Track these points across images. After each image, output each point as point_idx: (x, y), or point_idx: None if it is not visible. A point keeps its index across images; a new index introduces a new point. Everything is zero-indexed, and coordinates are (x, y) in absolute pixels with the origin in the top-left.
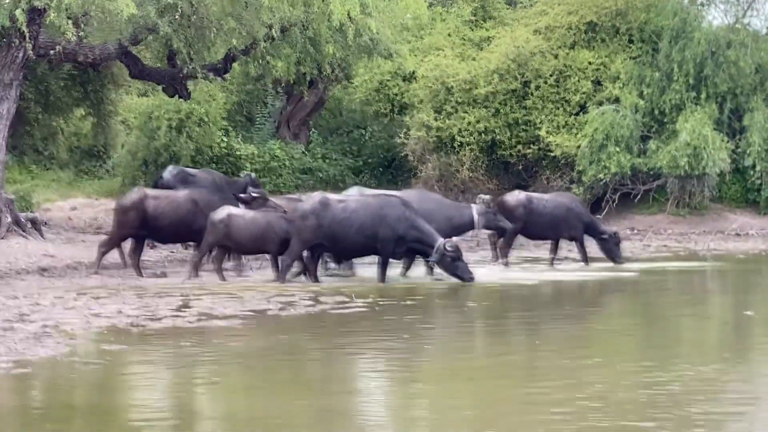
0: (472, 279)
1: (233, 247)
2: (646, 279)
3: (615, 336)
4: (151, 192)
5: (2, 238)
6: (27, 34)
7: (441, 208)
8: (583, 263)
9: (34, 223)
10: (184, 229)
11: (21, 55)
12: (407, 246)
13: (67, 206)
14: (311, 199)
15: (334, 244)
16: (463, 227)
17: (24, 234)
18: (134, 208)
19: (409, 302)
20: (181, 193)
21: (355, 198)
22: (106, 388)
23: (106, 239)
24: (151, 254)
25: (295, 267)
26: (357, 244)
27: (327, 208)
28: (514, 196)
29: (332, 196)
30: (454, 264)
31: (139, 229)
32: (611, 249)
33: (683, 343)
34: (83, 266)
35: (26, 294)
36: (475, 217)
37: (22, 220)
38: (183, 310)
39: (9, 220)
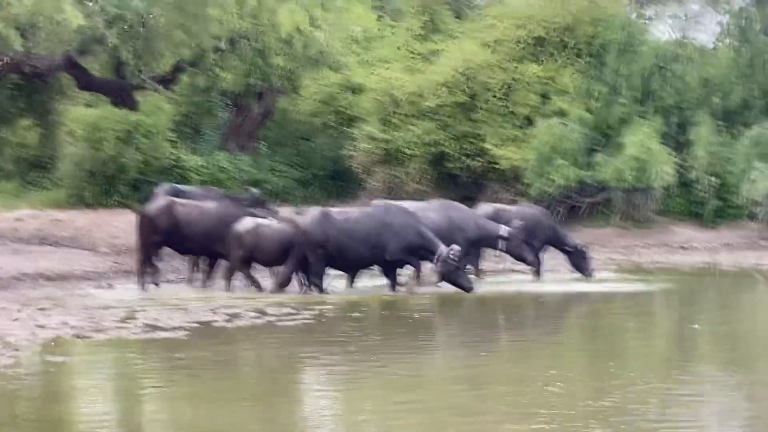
0: (471, 288)
1: (259, 258)
2: (595, 292)
3: (560, 348)
4: (179, 200)
5: None
6: None
7: (471, 216)
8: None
9: None
10: (211, 240)
11: None
12: (411, 254)
13: (12, 217)
14: (312, 213)
15: (339, 256)
16: (488, 241)
17: None
18: (163, 215)
19: (356, 314)
20: (211, 204)
21: (357, 209)
22: (51, 399)
23: (137, 251)
24: (98, 265)
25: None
26: (360, 254)
27: (329, 221)
28: (482, 209)
29: (333, 209)
30: (455, 273)
31: (166, 238)
32: (578, 263)
33: (629, 356)
34: (28, 278)
35: None
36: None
37: None
38: (128, 321)
39: None
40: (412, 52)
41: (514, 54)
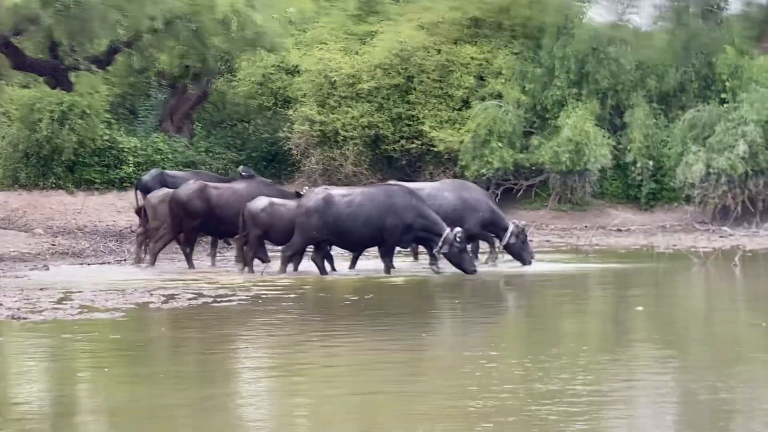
0: (474, 271)
1: (273, 237)
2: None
3: (497, 330)
4: (212, 183)
5: None
6: None
7: (485, 197)
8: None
9: None
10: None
11: None
12: (414, 235)
13: None
14: (314, 194)
15: (341, 237)
16: (496, 228)
17: None
18: (196, 198)
19: (292, 295)
20: (242, 185)
21: (360, 190)
22: None
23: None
24: (33, 246)
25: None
26: (364, 235)
27: (331, 203)
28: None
29: (336, 191)
30: (460, 255)
31: (200, 221)
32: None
33: (570, 338)
34: None
35: None
36: (510, 228)
37: None
38: (64, 302)
39: None
40: (347, 34)
41: (450, 36)
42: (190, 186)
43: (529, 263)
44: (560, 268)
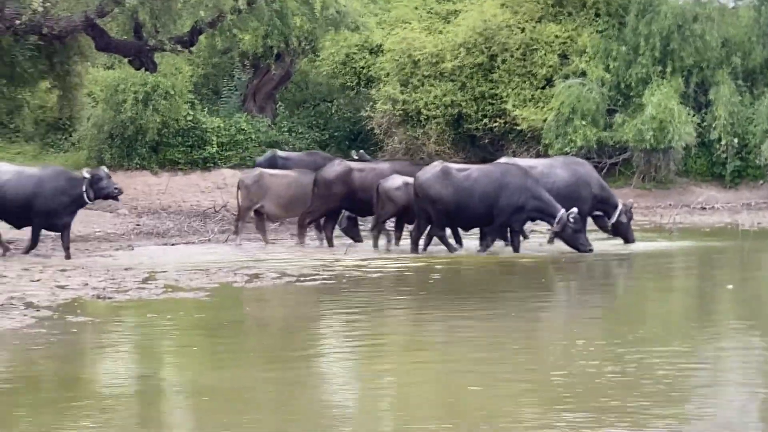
0: (591, 251)
1: (410, 216)
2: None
3: (587, 311)
4: (355, 165)
5: None
6: None
7: (596, 174)
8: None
9: None
10: None
11: None
12: (526, 215)
13: None
14: (431, 168)
15: (456, 214)
16: (606, 205)
17: None
18: (340, 180)
19: (375, 275)
20: (385, 165)
21: (476, 166)
22: (72, 360)
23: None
24: (118, 227)
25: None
26: (479, 212)
27: (448, 177)
28: None
29: (452, 165)
30: (575, 235)
31: (344, 202)
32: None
33: (660, 317)
34: (49, 239)
35: None
36: (619, 207)
37: None
38: (149, 282)
39: None
40: (430, 13)
41: (533, 14)
42: (334, 167)
43: (633, 242)
44: (647, 246)
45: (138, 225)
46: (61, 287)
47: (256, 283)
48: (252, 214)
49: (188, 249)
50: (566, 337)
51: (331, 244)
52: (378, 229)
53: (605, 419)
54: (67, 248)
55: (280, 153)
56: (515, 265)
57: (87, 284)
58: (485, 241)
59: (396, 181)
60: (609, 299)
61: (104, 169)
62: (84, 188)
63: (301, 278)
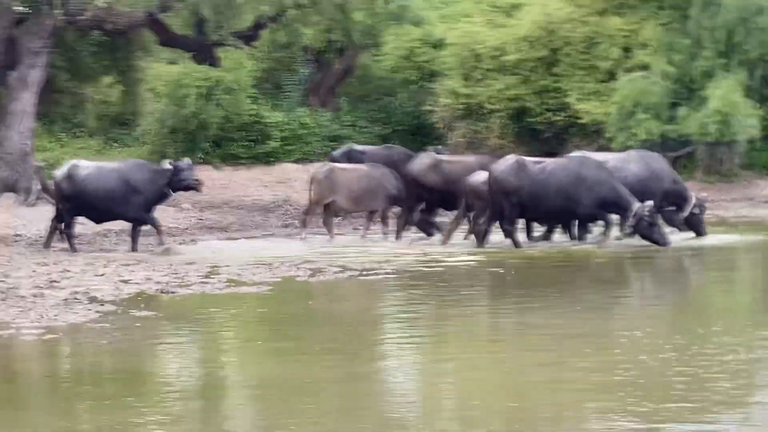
0: (668, 244)
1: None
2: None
3: (654, 304)
4: (445, 157)
5: (32, 206)
6: (56, 2)
7: (669, 169)
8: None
9: None
10: None
11: (50, 22)
12: (603, 209)
13: None
14: (506, 161)
15: (532, 206)
16: (679, 199)
17: (53, 202)
18: (429, 173)
19: (438, 269)
20: (473, 159)
21: (551, 159)
22: (136, 354)
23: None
24: (181, 221)
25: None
26: (555, 205)
27: (524, 170)
28: None
29: (528, 158)
30: (651, 228)
31: (433, 194)
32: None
33: (729, 313)
34: (112, 233)
35: (56, 261)
36: (692, 200)
37: (52, 188)
38: (211, 276)
39: (38, 187)
40: (492, 6)
41: (596, 7)
42: (423, 160)
43: (705, 235)
44: (716, 240)
45: (200, 219)
46: (125, 282)
47: (318, 277)
48: (320, 208)
49: (251, 243)
50: (634, 332)
51: (399, 236)
52: (478, 227)
53: (671, 414)
54: (161, 243)
55: (356, 147)
56: (583, 259)
57: (150, 279)
58: (581, 233)
59: (483, 176)
60: (678, 293)
61: (187, 160)
62: (167, 180)
63: (364, 272)
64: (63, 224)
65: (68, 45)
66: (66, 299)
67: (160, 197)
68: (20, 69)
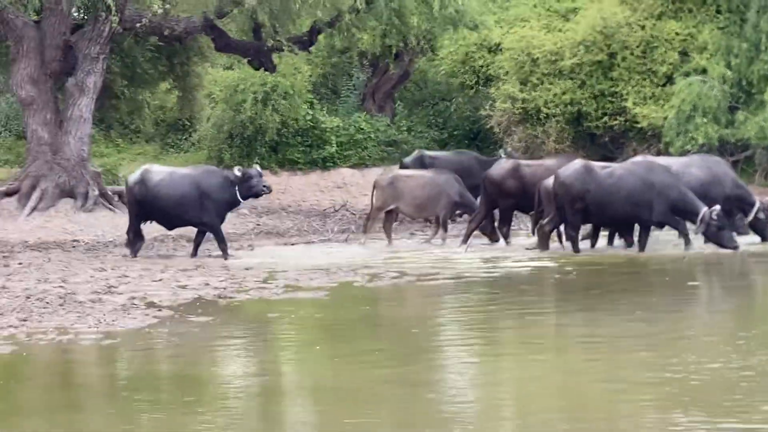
0: (737, 247)
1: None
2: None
3: (716, 308)
4: (524, 161)
5: (90, 211)
6: (113, 8)
7: (731, 173)
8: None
9: (121, 197)
10: None
11: (107, 28)
12: (674, 214)
13: None
14: (573, 165)
15: (598, 212)
16: (743, 203)
17: (111, 207)
18: (509, 178)
19: (496, 274)
20: (553, 162)
21: (618, 164)
22: (194, 359)
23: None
24: (238, 226)
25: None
26: (623, 210)
27: (590, 175)
28: None
29: (595, 163)
30: (719, 233)
31: (513, 199)
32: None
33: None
34: (169, 239)
35: (114, 266)
36: (757, 204)
37: (109, 193)
38: (269, 282)
39: (96, 193)
40: (549, 11)
41: (653, 11)
42: (503, 165)
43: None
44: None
45: (258, 225)
46: (183, 287)
47: (376, 282)
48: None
49: (308, 248)
50: (695, 336)
51: (496, 239)
52: (569, 230)
53: (726, 419)
54: (224, 250)
55: (427, 152)
56: (640, 264)
57: (208, 284)
58: (642, 239)
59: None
60: (740, 297)
61: (257, 167)
62: (236, 187)
63: (421, 277)
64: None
65: (125, 51)
66: (124, 304)
67: (231, 204)
68: (78, 75)
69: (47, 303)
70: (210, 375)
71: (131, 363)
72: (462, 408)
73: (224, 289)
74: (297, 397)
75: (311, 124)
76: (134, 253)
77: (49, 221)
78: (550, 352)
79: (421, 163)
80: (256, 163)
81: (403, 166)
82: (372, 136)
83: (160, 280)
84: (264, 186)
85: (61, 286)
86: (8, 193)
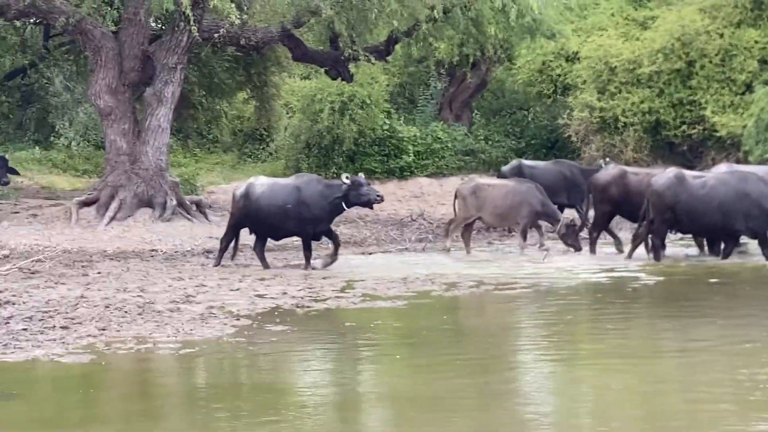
0: None
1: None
2: None
3: None
4: (630, 169)
5: (168, 221)
6: (191, 18)
7: None
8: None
9: (199, 206)
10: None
11: (185, 38)
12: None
13: (230, 189)
14: (666, 174)
15: (689, 221)
16: None
17: (189, 217)
18: (615, 184)
19: (574, 283)
20: (660, 170)
21: (712, 174)
22: (271, 368)
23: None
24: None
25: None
26: (714, 221)
27: (683, 184)
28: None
29: (687, 172)
30: None
31: (618, 207)
32: None
33: None
34: (248, 249)
35: (192, 276)
36: None
37: (187, 203)
38: (346, 291)
39: (174, 203)
40: (627, 19)
41: (732, 19)
42: (610, 171)
43: None
44: None
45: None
46: (260, 296)
47: (453, 291)
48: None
49: (385, 258)
50: None
51: (579, 247)
52: (654, 238)
53: None
54: (334, 253)
55: (525, 162)
56: (723, 273)
57: (285, 293)
58: (727, 249)
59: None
60: None
61: (362, 175)
62: (342, 195)
63: (499, 286)
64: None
65: (203, 61)
66: (202, 314)
67: (334, 212)
68: (156, 85)
69: (126, 312)
70: (288, 384)
71: (209, 372)
72: (542, 417)
73: (302, 298)
74: (375, 407)
75: (388, 133)
76: (219, 262)
77: (127, 231)
78: (630, 360)
79: (519, 172)
80: (333, 172)
81: (501, 176)
82: (449, 145)
83: (238, 289)
84: (377, 195)
85: (139, 296)
86: (87, 203)
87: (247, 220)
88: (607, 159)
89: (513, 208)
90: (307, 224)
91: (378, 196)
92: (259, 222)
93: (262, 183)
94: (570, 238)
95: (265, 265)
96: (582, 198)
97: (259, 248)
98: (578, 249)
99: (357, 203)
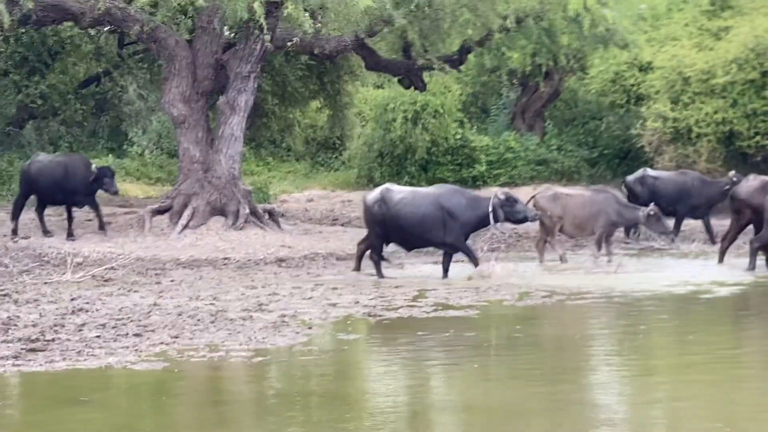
0: None
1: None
2: None
3: None
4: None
5: (240, 229)
6: (265, 27)
7: None
8: None
9: (272, 215)
10: None
11: (259, 47)
12: None
13: (303, 198)
14: (750, 181)
15: None
16: None
17: (261, 225)
18: (758, 195)
19: (648, 294)
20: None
21: None
22: (344, 377)
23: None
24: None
25: None
26: None
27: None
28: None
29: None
30: None
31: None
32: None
33: None
34: (320, 257)
35: (264, 284)
36: None
37: (260, 211)
38: (419, 300)
39: (247, 211)
40: (700, 29)
41: None
42: (751, 182)
43: None
44: None
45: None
46: (333, 305)
47: (526, 301)
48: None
49: (458, 267)
50: None
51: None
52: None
53: None
54: (475, 263)
55: (650, 171)
56: None
57: (358, 302)
58: None
59: None
60: None
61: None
62: (490, 209)
63: (572, 296)
64: (370, 249)
65: (276, 69)
66: (274, 322)
67: (477, 225)
68: (229, 93)
69: (198, 320)
70: (360, 393)
71: (281, 380)
72: (614, 427)
73: (374, 307)
74: (448, 416)
75: (461, 142)
76: (380, 275)
77: (200, 239)
78: (703, 371)
79: (643, 182)
80: (406, 181)
81: (626, 185)
82: (522, 155)
83: (311, 298)
84: (536, 213)
85: (212, 304)
86: (160, 211)
87: (381, 228)
88: (732, 171)
89: (590, 218)
90: (449, 236)
91: (536, 214)
92: (394, 230)
93: (400, 190)
94: (655, 225)
95: (380, 274)
96: (705, 210)
97: (376, 255)
98: (669, 233)
99: (510, 219)
